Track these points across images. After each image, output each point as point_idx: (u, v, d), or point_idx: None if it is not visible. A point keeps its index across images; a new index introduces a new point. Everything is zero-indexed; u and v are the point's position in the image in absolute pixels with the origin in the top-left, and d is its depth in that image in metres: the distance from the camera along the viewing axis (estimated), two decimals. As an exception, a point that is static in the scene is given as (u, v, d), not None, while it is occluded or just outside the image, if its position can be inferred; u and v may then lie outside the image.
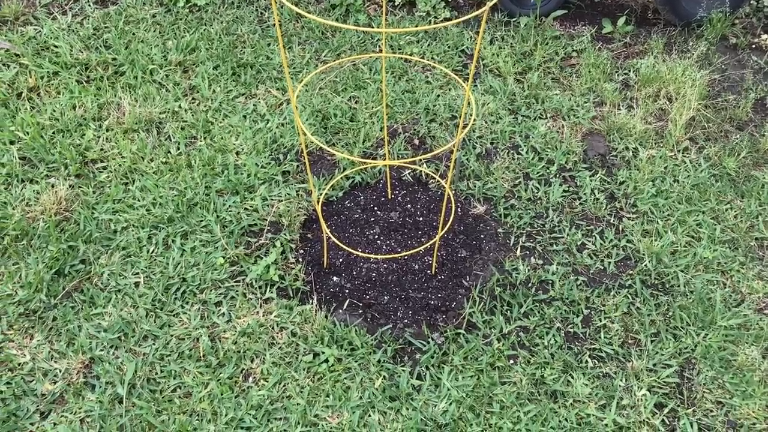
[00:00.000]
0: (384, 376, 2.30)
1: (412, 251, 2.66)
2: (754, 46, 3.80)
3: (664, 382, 2.34)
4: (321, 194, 2.83)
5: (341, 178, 2.92)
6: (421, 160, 3.02)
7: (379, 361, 2.34)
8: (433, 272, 2.61)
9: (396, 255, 2.66)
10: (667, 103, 3.40)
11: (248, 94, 3.36)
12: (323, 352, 2.33)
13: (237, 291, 2.53)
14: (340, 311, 2.47)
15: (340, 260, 2.65)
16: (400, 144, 3.09)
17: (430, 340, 2.41)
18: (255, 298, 2.51)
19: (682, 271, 2.67)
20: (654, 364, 2.38)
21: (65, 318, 2.42)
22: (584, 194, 2.95)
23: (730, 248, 2.77)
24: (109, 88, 3.31)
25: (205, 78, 3.39)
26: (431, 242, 2.62)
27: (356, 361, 2.32)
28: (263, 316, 2.45)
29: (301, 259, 2.64)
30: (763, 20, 3.91)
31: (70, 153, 2.96)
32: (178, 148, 3.05)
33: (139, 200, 2.82)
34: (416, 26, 3.69)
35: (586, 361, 2.38)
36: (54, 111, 3.17)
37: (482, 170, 2.99)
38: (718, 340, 2.44)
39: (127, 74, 3.39)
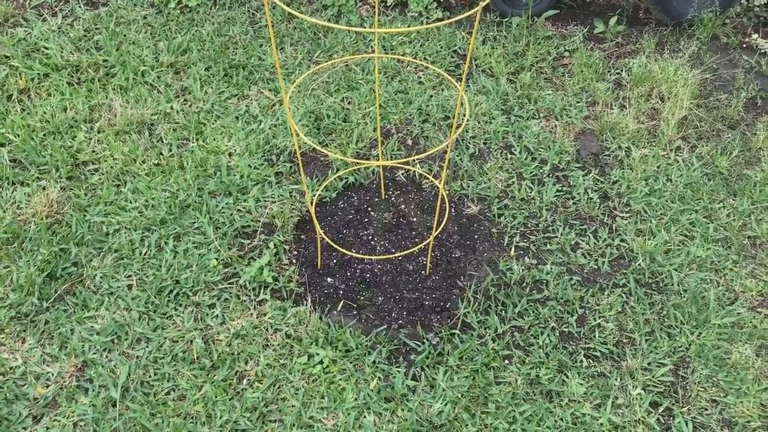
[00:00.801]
0: (379, 377, 2.29)
1: (406, 252, 2.65)
2: (744, 45, 3.82)
3: (659, 380, 2.34)
4: (314, 195, 2.82)
5: (335, 179, 2.91)
6: (414, 160, 3.01)
7: (374, 362, 2.33)
8: (427, 273, 2.61)
9: (390, 255, 2.65)
10: (660, 102, 3.41)
11: (240, 95, 3.35)
12: (318, 354, 2.32)
13: (230, 293, 2.51)
14: (335, 312, 2.47)
15: (334, 261, 2.64)
16: (393, 144, 3.09)
17: (424, 340, 2.41)
18: (249, 300, 2.50)
19: (675, 270, 2.67)
20: (649, 363, 2.39)
21: (57, 321, 2.40)
22: (577, 194, 2.95)
23: (723, 247, 2.78)
24: (101, 89, 3.29)
25: (197, 79, 3.38)
26: (425, 243, 2.61)
27: (351, 363, 2.32)
28: (257, 317, 2.44)
29: (294, 261, 2.63)
30: (753, 20, 3.92)
31: (61, 155, 2.94)
32: (170, 150, 3.03)
33: (131, 202, 2.80)
34: (408, 26, 3.69)
35: (581, 361, 2.38)
36: (45, 113, 3.15)
37: (475, 170, 2.99)
38: (712, 338, 2.45)
39: (118, 76, 3.37)
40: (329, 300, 2.52)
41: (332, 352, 2.32)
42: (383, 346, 2.37)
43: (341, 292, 2.54)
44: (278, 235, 2.68)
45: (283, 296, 2.51)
